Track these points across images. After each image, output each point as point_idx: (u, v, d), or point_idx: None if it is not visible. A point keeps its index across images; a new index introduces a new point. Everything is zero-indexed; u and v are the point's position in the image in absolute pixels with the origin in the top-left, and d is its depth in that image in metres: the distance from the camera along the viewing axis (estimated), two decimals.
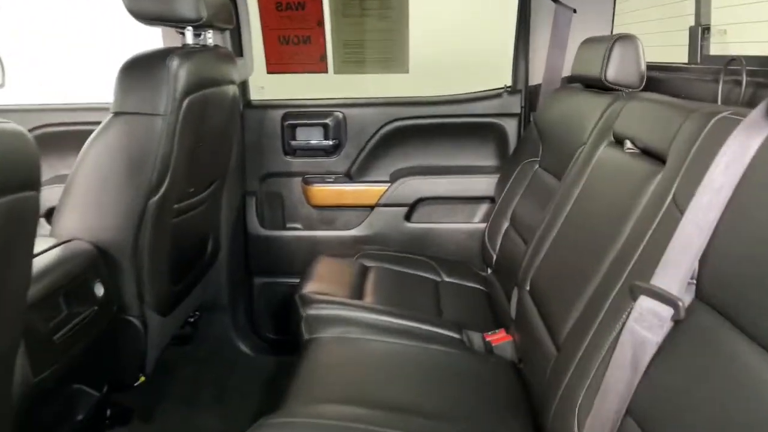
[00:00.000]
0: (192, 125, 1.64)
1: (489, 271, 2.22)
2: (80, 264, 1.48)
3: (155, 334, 1.72)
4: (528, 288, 1.51)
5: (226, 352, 2.44)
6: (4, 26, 3.03)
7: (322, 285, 1.88)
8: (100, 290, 1.50)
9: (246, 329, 2.51)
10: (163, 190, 1.58)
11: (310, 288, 1.84)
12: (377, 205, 2.36)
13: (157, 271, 1.69)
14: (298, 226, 2.49)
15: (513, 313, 1.65)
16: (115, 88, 1.54)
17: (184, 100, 1.57)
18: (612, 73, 1.61)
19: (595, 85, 1.74)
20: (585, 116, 1.67)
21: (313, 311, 1.67)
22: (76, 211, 1.57)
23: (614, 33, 2.08)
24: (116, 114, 1.55)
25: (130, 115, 1.54)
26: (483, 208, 2.39)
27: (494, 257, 2.10)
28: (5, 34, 3.08)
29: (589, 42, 1.83)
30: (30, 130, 1.04)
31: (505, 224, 2.10)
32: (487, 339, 1.65)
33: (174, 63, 1.53)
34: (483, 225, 2.32)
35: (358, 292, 1.89)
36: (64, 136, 2.34)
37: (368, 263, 2.15)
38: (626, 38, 1.61)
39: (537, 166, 2.04)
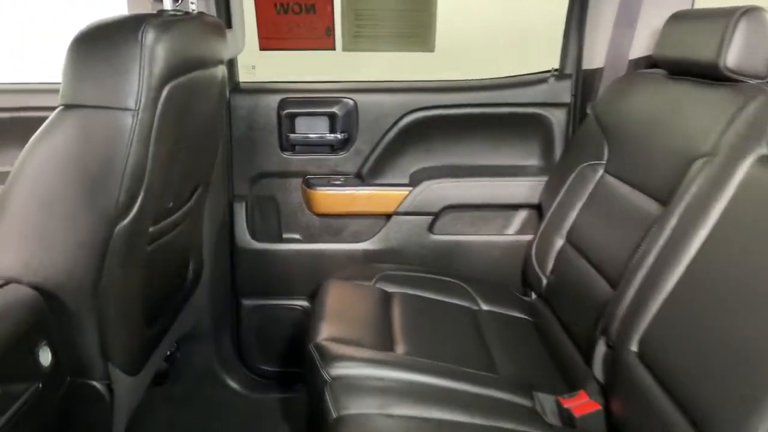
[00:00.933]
0: (173, 122, 1.22)
1: (533, 295, 1.87)
2: (19, 319, 1.07)
3: (124, 398, 1.32)
4: (635, 349, 1.14)
5: (210, 390, 2.05)
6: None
7: (341, 326, 1.49)
8: (47, 357, 1.09)
9: (233, 361, 2.11)
10: (134, 211, 1.17)
11: (326, 331, 1.45)
12: (395, 213, 1.97)
13: (128, 317, 1.28)
14: (297, 236, 2.09)
15: (599, 372, 1.29)
16: (63, 70, 1.12)
17: (163, 88, 1.15)
18: (735, 59, 1.24)
19: (699, 74, 1.37)
20: (697, 116, 1.30)
21: (338, 371, 1.28)
22: (13, 243, 1.15)
23: (696, 7, 1.70)
24: (67, 107, 1.12)
25: (88, 110, 1.12)
26: (523, 218, 2.02)
27: (544, 281, 1.74)
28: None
29: (682, 18, 1.45)
30: None
31: (559, 242, 1.73)
32: (565, 405, 1.29)
33: (149, 36, 1.11)
34: (523, 238, 1.95)
35: (386, 335, 1.51)
36: (9, 124, 1.90)
37: (389, 288, 1.77)
38: (754, 12, 1.24)
39: (602, 171, 1.67)
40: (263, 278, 2.05)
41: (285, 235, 2.09)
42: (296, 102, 1.95)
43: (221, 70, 1.54)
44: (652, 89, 1.56)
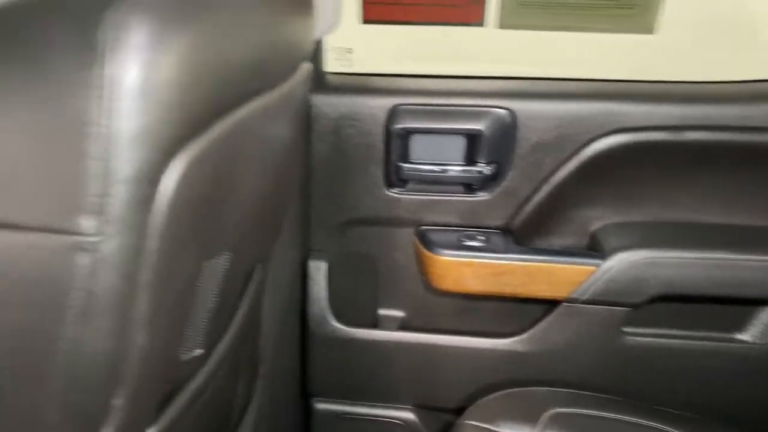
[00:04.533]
0: (199, 218, 0.57)
1: None
2: None
3: None
4: None
5: None
6: None
7: None
8: None
9: None
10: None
11: None
12: (569, 300, 1.28)
13: None
14: (400, 314, 1.44)
15: None
16: None
17: (169, 161, 0.49)
18: None
19: None
20: None
21: None
22: None
23: None
24: None
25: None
26: None
27: None
28: None
29: None
30: None
31: None
32: None
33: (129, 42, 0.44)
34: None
35: None
36: None
37: None
38: None
39: None
40: (346, 375, 1.41)
41: (382, 312, 1.44)
42: (416, 112, 1.25)
43: (303, 72, 0.87)
44: None
